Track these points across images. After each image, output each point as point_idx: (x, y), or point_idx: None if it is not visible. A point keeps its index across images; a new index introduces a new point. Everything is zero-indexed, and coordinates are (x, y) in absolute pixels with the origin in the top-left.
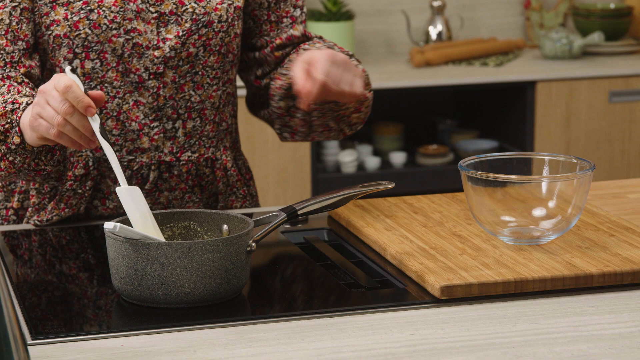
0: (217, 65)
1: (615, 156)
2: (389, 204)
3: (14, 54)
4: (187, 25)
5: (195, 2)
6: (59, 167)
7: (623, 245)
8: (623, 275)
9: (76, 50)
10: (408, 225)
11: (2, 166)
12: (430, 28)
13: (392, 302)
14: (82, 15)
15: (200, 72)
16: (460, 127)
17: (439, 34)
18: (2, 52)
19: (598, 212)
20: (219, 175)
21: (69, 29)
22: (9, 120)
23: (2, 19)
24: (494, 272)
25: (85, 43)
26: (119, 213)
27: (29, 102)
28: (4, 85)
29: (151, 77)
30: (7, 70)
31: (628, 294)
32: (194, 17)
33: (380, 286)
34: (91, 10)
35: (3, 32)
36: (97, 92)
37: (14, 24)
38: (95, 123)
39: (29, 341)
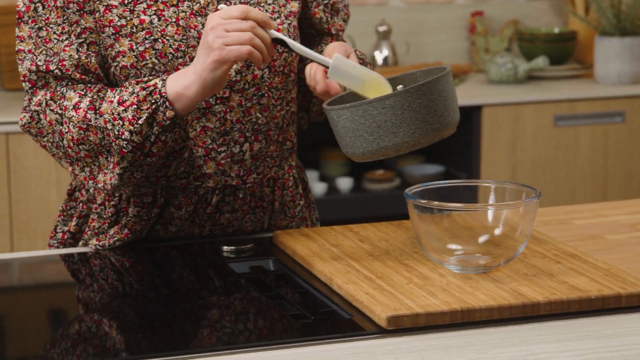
0: (281, 85)
1: (560, 180)
2: (335, 233)
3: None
4: None
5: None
6: (177, 144)
7: (569, 273)
8: (570, 303)
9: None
10: (354, 254)
11: (154, 150)
12: (376, 53)
13: (339, 333)
14: (147, 45)
15: (266, 94)
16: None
17: (385, 59)
18: (78, 81)
19: (544, 239)
20: (277, 194)
21: (136, 59)
22: (153, 101)
23: (70, 55)
24: (441, 302)
25: (153, 72)
26: (180, 237)
27: (164, 78)
28: (103, 88)
29: (218, 101)
30: (93, 82)
31: (575, 322)
32: None
33: (326, 317)
34: (155, 40)
35: (74, 68)
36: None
37: (83, 57)
38: (272, 31)
39: None
